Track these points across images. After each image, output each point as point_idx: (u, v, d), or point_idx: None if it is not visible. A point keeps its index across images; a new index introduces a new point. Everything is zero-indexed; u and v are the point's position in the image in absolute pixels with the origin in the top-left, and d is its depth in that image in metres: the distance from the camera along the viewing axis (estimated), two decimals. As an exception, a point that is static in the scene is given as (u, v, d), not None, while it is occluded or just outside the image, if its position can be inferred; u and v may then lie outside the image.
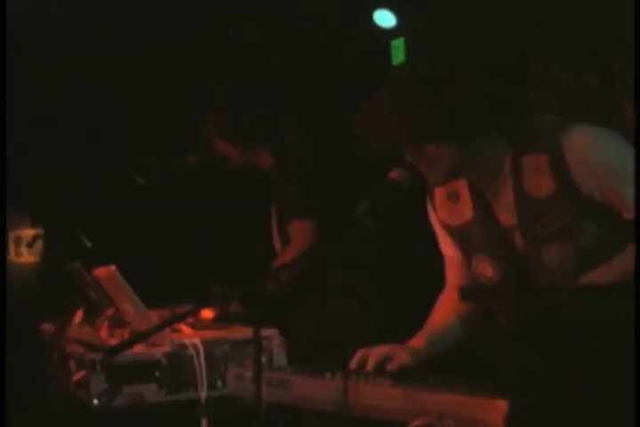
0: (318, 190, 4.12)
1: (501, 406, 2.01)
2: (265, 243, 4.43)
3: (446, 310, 2.84)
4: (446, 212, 2.76)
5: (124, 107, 5.90)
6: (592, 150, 2.47)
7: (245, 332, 3.37)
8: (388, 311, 4.17)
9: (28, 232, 6.51)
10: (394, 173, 2.58)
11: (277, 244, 4.33)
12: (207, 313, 3.89)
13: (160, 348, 3.25)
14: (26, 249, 6.53)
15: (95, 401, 3.16)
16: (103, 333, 3.55)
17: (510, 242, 2.61)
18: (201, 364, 3.23)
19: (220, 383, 3.24)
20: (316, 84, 5.45)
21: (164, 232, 6.03)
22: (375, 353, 2.66)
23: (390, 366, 2.62)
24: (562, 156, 2.46)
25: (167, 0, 5.25)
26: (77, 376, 3.27)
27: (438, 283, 2.93)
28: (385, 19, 5.11)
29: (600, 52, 4.35)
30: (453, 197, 2.72)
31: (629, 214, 2.42)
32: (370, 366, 2.62)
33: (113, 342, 3.41)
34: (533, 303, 1.89)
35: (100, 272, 3.52)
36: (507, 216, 2.60)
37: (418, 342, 2.77)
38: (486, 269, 2.68)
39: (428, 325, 2.84)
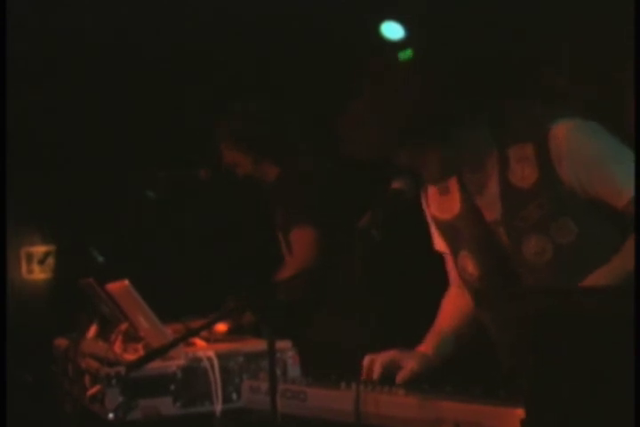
0: (319, 200, 4.13)
1: (519, 414, 2.01)
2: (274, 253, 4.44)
3: (451, 307, 2.84)
4: (437, 205, 2.74)
5: (136, 120, 5.92)
6: (579, 141, 2.43)
7: (259, 344, 3.37)
8: (397, 319, 4.17)
9: (40, 249, 6.53)
10: (397, 183, 2.56)
11: (286, 254, 4.34)
12: (221, 327, 3.89)
13: (175, 361, 3.24)
14: (38, 266, 6.55)
15: (111, 415, 3.16)
16: (117, 347, 3.55)
17: (493, 237, 2.58)
18: (216, 377, 3.23)
19: (235, 396, 3.24)
20: (324, 95, 5.47)
21: (175, 246, 6.05)
22: (381, 359, 2.65)
23: (401, 376, 2.61)
24: (546, 145, 2.43)
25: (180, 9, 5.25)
26: (92, 391, 3.28)
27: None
28: (393, 31, 5.13)
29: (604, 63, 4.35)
30: (444, 190, 2.70)
31: (623, 201, 2.37)
32: (376, 373, 2.62)
33: (127, 356, 3.41)
34: (521, 306, 1.87)
35: (113, 287, 3.52)
36: (491, 210, 2.58)
37: (426, 346, 2.75)
38: (468, 266, 2.66)
39: (435, 327, 2.82)
